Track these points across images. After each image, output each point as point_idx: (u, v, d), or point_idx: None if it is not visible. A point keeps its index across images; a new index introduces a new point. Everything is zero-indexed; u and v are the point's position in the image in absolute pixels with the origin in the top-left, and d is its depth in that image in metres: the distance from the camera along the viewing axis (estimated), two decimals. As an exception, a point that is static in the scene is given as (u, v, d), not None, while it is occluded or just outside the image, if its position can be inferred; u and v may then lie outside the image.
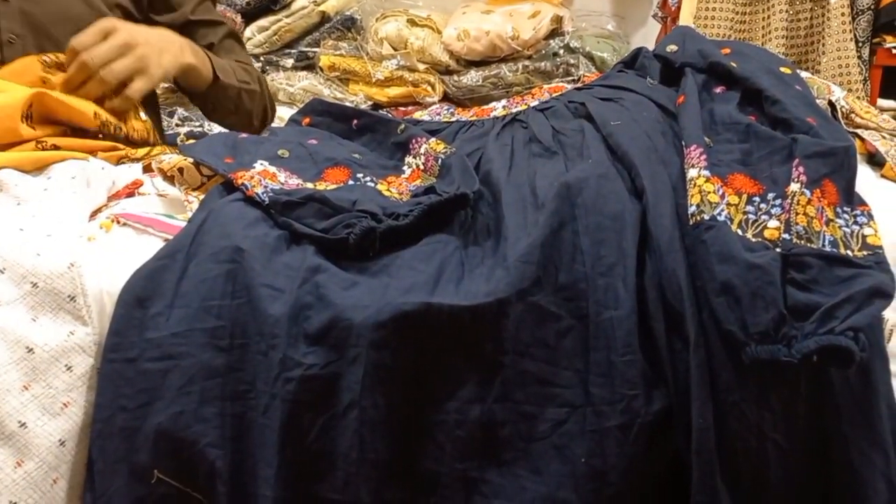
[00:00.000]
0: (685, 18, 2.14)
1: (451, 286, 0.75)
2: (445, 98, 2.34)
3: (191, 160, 0.94)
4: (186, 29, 1.30)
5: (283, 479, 0.70)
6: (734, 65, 0.91)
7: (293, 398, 0.71)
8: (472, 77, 2.29)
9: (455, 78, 2.31)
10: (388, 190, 0.91)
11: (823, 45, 2.10)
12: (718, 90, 0.91)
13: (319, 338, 0.72)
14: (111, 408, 0.73)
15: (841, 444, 0.70)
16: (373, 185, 0.91)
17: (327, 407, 0.71)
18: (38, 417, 0.70)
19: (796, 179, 0.75)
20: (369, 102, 2.32)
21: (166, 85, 2.37)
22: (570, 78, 2.22)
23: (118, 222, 0.86)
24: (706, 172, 0.77)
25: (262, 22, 2.34)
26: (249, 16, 2.34)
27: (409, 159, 0.99)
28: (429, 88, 2.30)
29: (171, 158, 0.95)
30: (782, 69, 0.94)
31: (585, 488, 0.69)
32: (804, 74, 0.98)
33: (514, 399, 0.71)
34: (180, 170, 0.94)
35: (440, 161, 0.92)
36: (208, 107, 1.36)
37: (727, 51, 0.96)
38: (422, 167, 0.96)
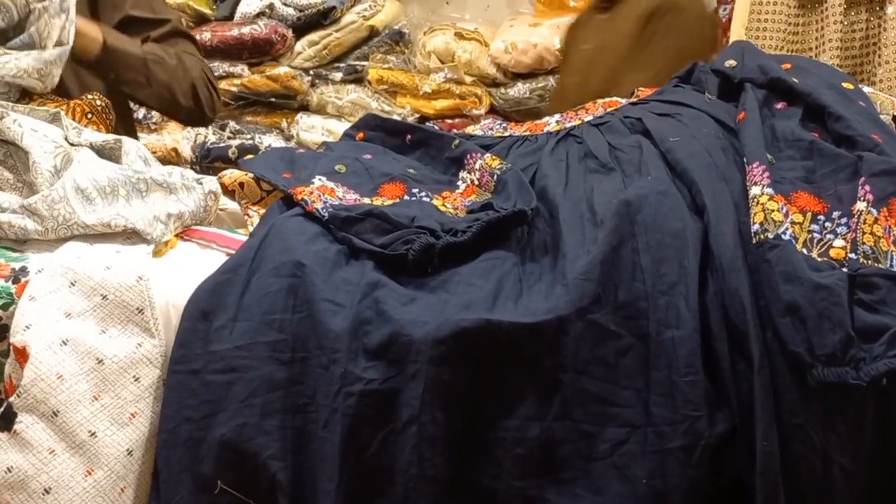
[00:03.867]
0: (737, 29, 2.11)
1: (509, 303, 0.75)
2: (492, 110, 2.35)
3: (251, 175, 0.96)
4: (126, 27, 1.28)
5: (344, 493, 0.71)
6: (795, 80, 0.90)
7: (353, 412, 0.71)
8: (520, 89, 2.29)
9: (502, 90, 2.32)
10: (443, 205, 0.91)
11: (879, 56, 2.05)
12: (780, 106, 0.90)
13: (379, 353, 0.73)
14: (176, 419, 0.74)
15: (910, 470, 0.68)
16: (428, 200, 0.92)
17: (387, 422, 0.71)
18: (107, 427, 0.72)
19: (863, 198, 0.74)
20: (416, 115, 2.33)
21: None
22: (618, 91, 2.20)
23: (182, 238, 0.88)
24: (769, 190, 0.76)
25: (313, 36, 2.37)
26: (300, 30, 2.38)
27: (463, 174, 0.99)
28: (476, 101, 2.31)
29: (232, 173, 0.97)
30: (844, 84, 0.92)
31: (647, 509, 0.68)
32: (866, 89, 0.97)
33: (574, 418, 0.71)
34: (241, 184, 0.96)
35: (496, 177, 0.93)
36: (114, 78, 1.26)
37: (787, 66, 0.95)
38: (477, 182, 0.96)
